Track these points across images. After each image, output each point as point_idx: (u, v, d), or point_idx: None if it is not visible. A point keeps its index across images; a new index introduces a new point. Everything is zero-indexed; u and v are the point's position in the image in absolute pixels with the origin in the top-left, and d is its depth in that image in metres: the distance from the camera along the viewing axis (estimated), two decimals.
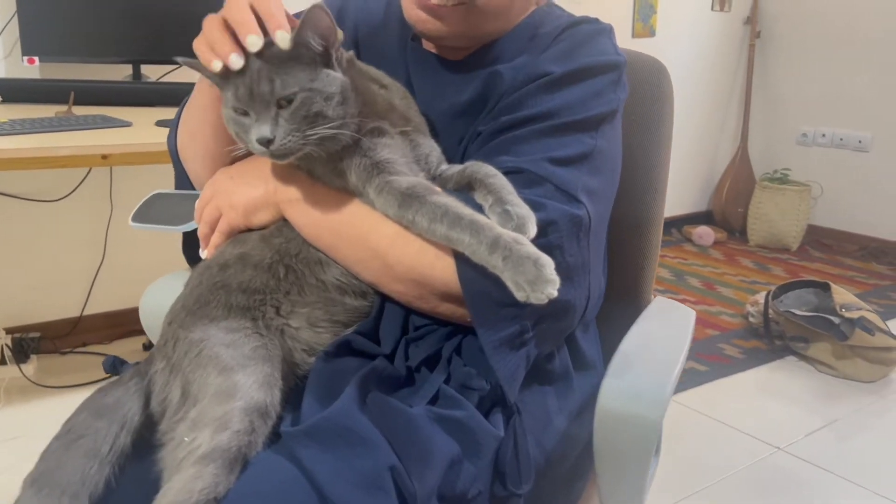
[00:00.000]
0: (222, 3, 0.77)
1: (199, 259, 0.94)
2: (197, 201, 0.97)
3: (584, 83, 0.87)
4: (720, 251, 4.03)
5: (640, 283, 1.11)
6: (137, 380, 0.81)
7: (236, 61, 0.73)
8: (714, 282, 3.54)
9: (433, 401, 0.78)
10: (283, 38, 0.74)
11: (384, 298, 0.86)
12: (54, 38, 2.15)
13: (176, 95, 2.26)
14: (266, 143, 0.75)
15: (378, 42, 1.00)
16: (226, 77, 0.77)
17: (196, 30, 0.77)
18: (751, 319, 2.91)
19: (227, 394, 0.73)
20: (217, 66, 0.74)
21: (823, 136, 4.14)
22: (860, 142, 4.00)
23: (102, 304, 2.55)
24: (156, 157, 1.69)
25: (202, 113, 0.93)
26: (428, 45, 0.97)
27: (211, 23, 0.76)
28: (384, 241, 0.81)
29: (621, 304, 1.08)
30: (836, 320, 2.58)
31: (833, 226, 4.16)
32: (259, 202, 0.88)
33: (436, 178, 0.86)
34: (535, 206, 0.78)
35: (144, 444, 0.77)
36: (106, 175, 2.40)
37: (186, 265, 1.08)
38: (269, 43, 0.75)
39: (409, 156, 0.84)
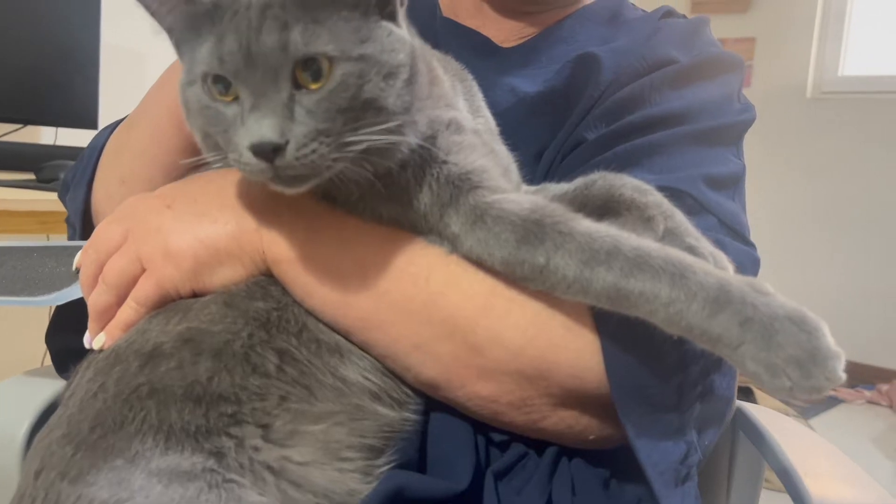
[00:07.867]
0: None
1: (81, 353, 0.55)
2: (84, 248, 0.58)
3: (715, 80, 0.65)
4: None
5: None
6: None
7: None
8: None
9: None
10: None
11: (428, 404, 0.51)
12: None
13: (20, 158, 1.81)
14: (269, 152, 0.39)
15: None
16: (197, 21, 0.42)
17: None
18: None
19: None
20: None
21: None
22: None
23: None
24: None
25: (168, 120, 0.59)
26: (470, 22, 0.69)
27: None
28: (471, 304, 0.47)
29: None
30: None
31: None
32: (225, 247, 0.49)
33: None
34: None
35: None
36: None
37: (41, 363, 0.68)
38: None
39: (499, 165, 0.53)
